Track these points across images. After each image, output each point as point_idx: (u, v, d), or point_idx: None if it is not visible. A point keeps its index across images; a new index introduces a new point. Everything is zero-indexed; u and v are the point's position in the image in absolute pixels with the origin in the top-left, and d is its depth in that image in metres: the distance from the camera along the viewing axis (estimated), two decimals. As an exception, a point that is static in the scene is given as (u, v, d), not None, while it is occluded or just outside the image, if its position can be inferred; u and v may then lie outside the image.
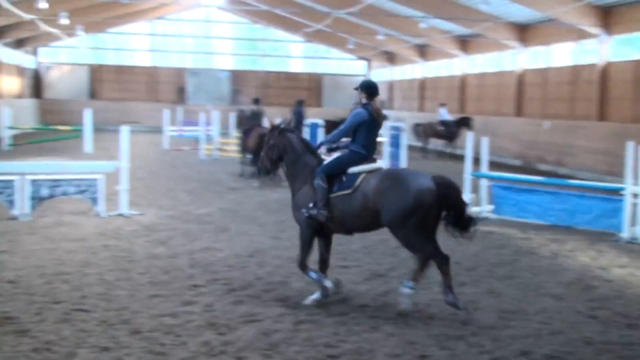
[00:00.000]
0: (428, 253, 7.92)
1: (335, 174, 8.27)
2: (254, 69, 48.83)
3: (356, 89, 8.62)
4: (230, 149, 26.42)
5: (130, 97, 47.05)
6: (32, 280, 8.91)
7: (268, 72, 48.82)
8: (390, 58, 45.18)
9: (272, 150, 8.90)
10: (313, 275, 8.46)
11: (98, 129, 31.35)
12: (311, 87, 48.73)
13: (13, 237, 11.41)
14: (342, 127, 8.57)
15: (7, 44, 38.83)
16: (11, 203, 12.90)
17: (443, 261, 7.85)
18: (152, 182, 19.02)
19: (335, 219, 8.24)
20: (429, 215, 7.82)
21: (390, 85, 46.38)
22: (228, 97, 47.64)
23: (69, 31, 39.75)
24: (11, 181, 12.92)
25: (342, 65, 50.05)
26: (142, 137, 34.48)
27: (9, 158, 23.01)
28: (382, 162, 8.78)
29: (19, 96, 41.94)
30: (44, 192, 13.17)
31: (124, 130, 13.85)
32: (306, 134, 17.47)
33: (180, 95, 47.34)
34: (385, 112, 30.86)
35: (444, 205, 7.86)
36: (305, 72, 49.59)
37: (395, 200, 7.77)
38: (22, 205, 12.93)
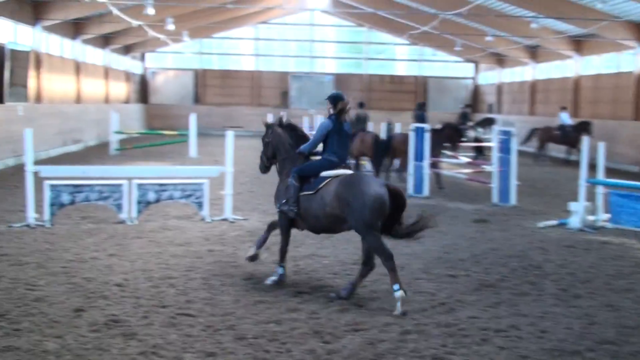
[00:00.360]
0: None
1: (308, 175, 8.87)
2: (358, 72, 48.78)
3: (326, 100, 9.13)
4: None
5: (234, 101, 47.81)
6: (139, 284, 9.00)
7: (372, 76, 48.67)
8: (499, 60, 44.29)
9: (267, 148, 9.62)
10: (280, 269, 9.16)
11: (202, 134, 31.97)
12: (416, 91, 48.21)
13: (120, 241, 11.60)
14: (312, 139, 9.26)
15: (115, 50, 40.11)
16: (119, 207, 13.13)
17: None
18: (254, 186, 19.08)
19: (302, 217, 8.89)
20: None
21: (499, 88, 45.46)
22: (332, 101, 47.66)
23: (175, 37, 40.68)
24: (119, 185, 13.14)
25: (449, 67, 49.39)
26: (245, 141, 34.86)
27: (116, 162, 23.67)
28: (350, 170, 9.12)
29: (126, 101, 43.25)
30: (151, 196, 13.36)
31: (229, 135, 13.93)
32: (412, 138, 17.15)
33: (283, 99, 47.77)
34: (492, 115, 29.89)
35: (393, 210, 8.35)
36: (410, 75, 49.13)
37: (353, 206, 8.22)
38: (129, 209, 13.16)
